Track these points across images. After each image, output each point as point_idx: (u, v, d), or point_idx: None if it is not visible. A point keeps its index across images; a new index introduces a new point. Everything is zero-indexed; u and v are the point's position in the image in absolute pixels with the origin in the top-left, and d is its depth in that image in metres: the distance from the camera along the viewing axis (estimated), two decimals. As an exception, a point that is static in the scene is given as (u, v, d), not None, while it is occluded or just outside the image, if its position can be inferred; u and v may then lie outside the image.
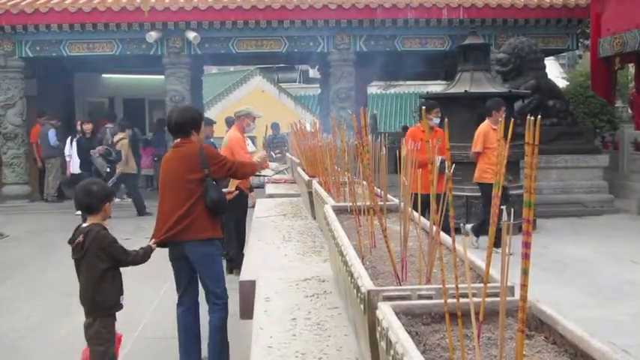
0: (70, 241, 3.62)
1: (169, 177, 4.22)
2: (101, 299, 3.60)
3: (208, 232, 4.16)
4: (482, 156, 7.80)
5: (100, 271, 3.57)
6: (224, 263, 5.28)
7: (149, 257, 3.93)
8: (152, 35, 13.39)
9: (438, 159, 5.80)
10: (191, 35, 13.53)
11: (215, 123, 9.38)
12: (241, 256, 6.41)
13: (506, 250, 1.21)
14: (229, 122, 11.35)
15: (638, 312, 5.39)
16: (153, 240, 4.12)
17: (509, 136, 1.38)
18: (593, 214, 10.34)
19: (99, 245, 3.56)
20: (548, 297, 5.10)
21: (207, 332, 4.32)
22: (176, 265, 4.29)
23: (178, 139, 4.31)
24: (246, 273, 3.01)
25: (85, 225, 3.66)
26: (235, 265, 6.73)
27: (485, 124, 7.88)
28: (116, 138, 12.28)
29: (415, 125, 9.10)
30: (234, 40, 14.07)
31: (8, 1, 13.54)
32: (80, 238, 3.56)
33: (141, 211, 11.91)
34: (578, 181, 10.67)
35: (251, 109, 7.46)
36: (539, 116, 1.21)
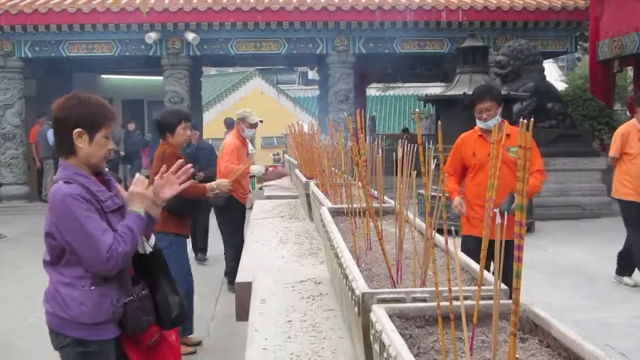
0: None
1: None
2: None
3: (159, 225, 4.42)
4: (619, 163, 6.22)
5: None
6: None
7: None
8: (151, 36, 13.40)
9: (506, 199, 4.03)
10: (190, 36, 13.54)
11: (197, 131, 7.86)
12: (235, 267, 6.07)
13: (499, 253, 1.21)
14: (228, 124, 11.24)
15: (635, 315, 5.39)
16: None
17: (502, 139, 1.38)
18: (591, 216, 10.33)
19: None
20: (546, 299, 5.10)
21: None
22: None
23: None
24: (243, 274, 3.01)
25: None
26: (231, 279, 6.11)
27: (628, 124, 6.32)
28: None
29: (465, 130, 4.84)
30: (233, 41, 14.08)
31: (7, 1, 13.55)
32: None
33: None
34: (577, 183, 10.65)
35: (247, 112, 6.49)
36: (538, 119, 1.21)
